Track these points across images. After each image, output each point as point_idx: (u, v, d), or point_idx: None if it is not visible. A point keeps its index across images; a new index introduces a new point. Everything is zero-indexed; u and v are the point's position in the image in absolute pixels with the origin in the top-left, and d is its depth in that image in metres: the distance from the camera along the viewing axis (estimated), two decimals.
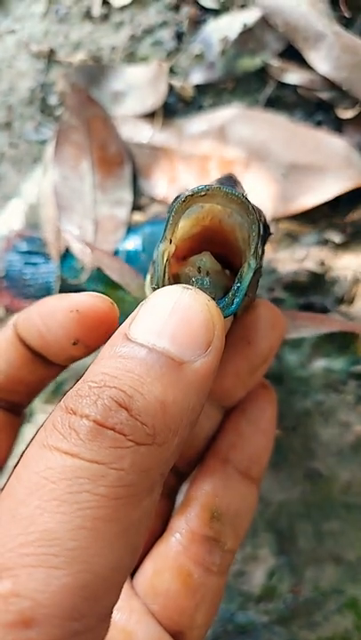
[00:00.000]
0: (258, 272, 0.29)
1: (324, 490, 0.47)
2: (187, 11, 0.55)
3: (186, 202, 0.27)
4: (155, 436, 0.22)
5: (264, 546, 0.47)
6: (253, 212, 0.27)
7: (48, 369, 0.34)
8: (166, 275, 0.27)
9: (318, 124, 0.51)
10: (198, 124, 0.52)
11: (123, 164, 0.52)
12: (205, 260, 0.29)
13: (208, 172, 0.51)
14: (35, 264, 0.52)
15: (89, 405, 0.22)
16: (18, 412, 0.35)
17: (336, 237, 0.48)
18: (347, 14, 0.51)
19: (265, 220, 0.31)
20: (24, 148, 0.56)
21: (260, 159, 0.50)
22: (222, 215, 0.28)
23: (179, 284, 0.26)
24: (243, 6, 0.54)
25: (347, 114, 0.49)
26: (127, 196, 0.52)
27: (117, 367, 0.23)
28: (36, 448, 0.22)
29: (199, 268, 0.29)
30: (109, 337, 0.31)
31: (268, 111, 0.51)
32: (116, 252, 0.51)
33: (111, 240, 0.51)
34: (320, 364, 0.47)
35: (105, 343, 0.32)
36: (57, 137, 0.53)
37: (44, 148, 0.55)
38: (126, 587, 0.32)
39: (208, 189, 0.27)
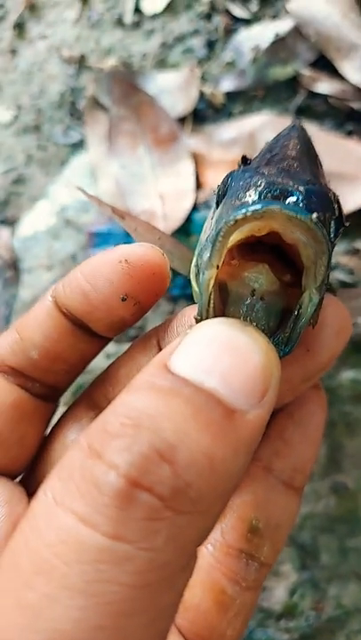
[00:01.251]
0: (322, 296, 0.24)
1: (349, 504, 0.46)
2: (218, 20, 0.55)
3: (237, 225, 0.22)
4: (198, 501, 0.18)
5: (286, 561, 0.46)
6: (324, 240, 0.22)
7: (90, 342, 0.30)
8: (211, 304, 0.23)
9: (349, 133, 0.50)
10: (228, 130, 0.52)
11: (177, 138, 0.51)
12: (261, 280, 0.24)
13: None
14: None
15: (120, 451, 0.18)
16: (52, 397, 0.32)
17: None
18: None
19: (340, 209, 0.26)
20: (52, 151, 0.56)
21: None
22: (283, 231, 0.23)
23: (234, 319, 0.22)
24: (274, 16, 0.54)
25: None
26: (187, 167, 0.51)
27: (156, 404, 0.19)
28: (47, 502, 0.18)
29: (253, 290, 0.24)
30: (161, 293, 0.27)
31: (299, 120, 0.51)
32: (188, 221, 0.50)
33: (180, 209, 0.50)
34: (348, 374, 0.47)
35: (153, 301, 0.27)
36: (109, 131, 0.52)
37: (72, 151, 0.55)
38: None
39: (264, 211, 0.22)
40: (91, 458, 0.18)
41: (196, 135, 0.52)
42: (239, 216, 0.22)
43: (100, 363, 0.35)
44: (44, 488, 0.19)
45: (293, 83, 0.52)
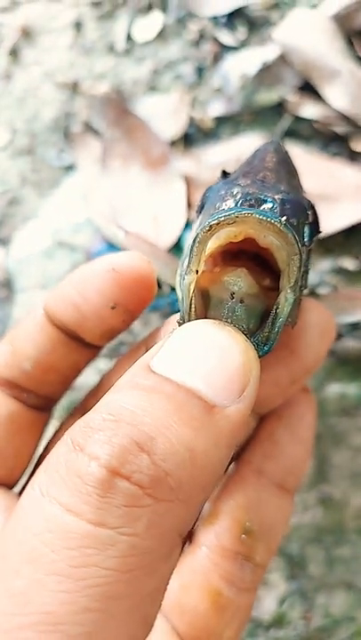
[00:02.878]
0: (299, 296, 0.26)
1: (335, 515, 0.47)
2: (207, 47, 0.57)
3: (211, 230, 0.24)
4: (179, 490, 0.19)
5: (275, 571, 0.47)
6: (294, 242, 0.24)
7: (82, 352, 0.31)
8: (192, 308, 0.25)
9: (333, 155, 0.52)
10: (217, 153, 0.54)
11: (168, 161, 0.53)
12: (240, 284, 0.25)
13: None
14: None
15: (101, 443, 0.19)
16: (46, 407, 0.33)
17: (350, 265, 0.49)
18: None
19: (315, 216, 0.28)
20: (46, 173, 0.57)
21: None
22: (257, 236, 0.24)
23: (213, 321, 0.23)
24: (260, 44, 0.56)
25: None
26: (179, 188, 0.53)
27: (138, 401, 0.20)
28: (35, 494, 0.19)
29: (232, 293, 0.25)
30: (149, 300, 0.28)
31: (285, 142, 0.53)
32: (181, 239, 0.51)
33: (173, 228, 0.51)
34: (334, 388, 0.48)
35: (142, 308, 0.28)
36: (103, 154, 0.54)
37: (65, 173, 0.57)
38: None
39: (237, 216, 0.23)
40: (74, 451, 0.19)
41: (187, 158, 0.54)
42: (213, 222, 0.24)
43: (93, 378, 0.36)
44: (31, 482, 0.20)
45: (280, 108, 0.54)
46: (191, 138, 0.55)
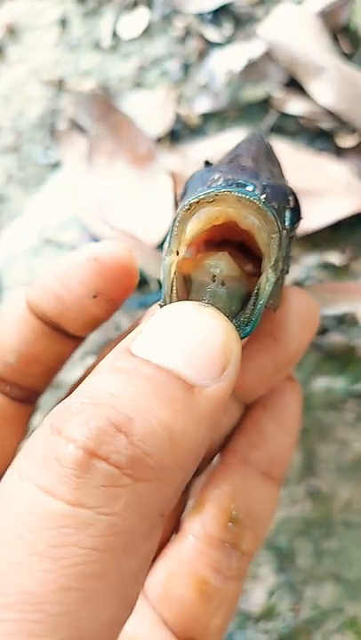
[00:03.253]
0: (281, 278, 0.26)
1: (323, 508, 0.48)
2: (193, 43, 0.57)
3: (191, 209, 0.24)
4: (158, 470, 0.19)
5: (264, 564, 0.48)
6: (273, 219, 0.24)
7: (65, 343, 0.31)
8: (174, 290, 0.24)
9: (319, 151, 0.53)
10: (203, 149, 0.54)
11: (154, 157, 0.53)
12: (222, 266, 0.25)
13: None
14: None
15: (78, 426, 0.19)
16: (30, 400, 0.33)
17: (336, 259, 0.50)
18: (346, 49, 0.54)
19: (296, 202, 0.28)
20: (32, 171, 0.57)
21: None
22: (237, 217, 0.24)
23: (193, 302, 0.23)
24: (246, 40, 0.56)
25: (346, 142, 0.51)
26: (165, 184, 0.53)
27: (117, 383, 0.20)
28: (14, 478, 0.19)
29: (214, 276, 0.25)
30: (131, 289, 0.28)
31: (271, 138, 0.53)
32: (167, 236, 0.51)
33: (160, 224, 0.51)
34: (320, 382, 0.48)
35: (124, 297, 0.28)
36: (89, 151, 0.54)
37: (51, 171, 0.56)
38: None
39: (217, 194, 0.23)
40: (52, 435, 0.19)
41: (173, 154, 0.54)
42: (193, 200, 0.24)
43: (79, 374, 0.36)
44: (11, 466, 0.20)
45: (265, 104, 0.54)
46: (177, 134, 0.55)
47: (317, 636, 0.46)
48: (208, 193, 0.23)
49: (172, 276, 0.25)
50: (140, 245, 0.46)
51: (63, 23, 0.60)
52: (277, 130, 0.54)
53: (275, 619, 0.47)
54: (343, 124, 0.52)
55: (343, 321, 0.48)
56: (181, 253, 0.25)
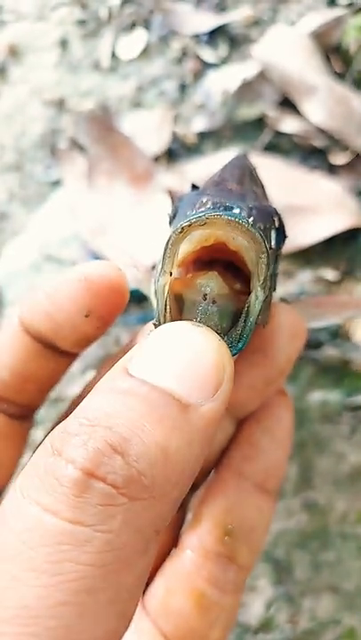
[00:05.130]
0: (269, 295, 0.27)
1: (320, 520, 0.48)
2: (189, 64, 0.59)
3: (183, 232, 0.25)
4: (153, 488, 0.19)
5: (262, 576, 0.48)
6: (261, 240, 0.25)
7: (58, 360, 0.32)
8: (167, 309, 0.25)
9: (312, 168, 0.54)
10: (199, 168, 0.55)
11: (152, 176, 0.54)
12: (212, 285, 0.26)
13: None
14: None
15: (77, 447, 0.19)
16: (27, 416, 0.33)
17: (330, 275, 0.51)
18: (338, 69, 0.55)
19: (281, 222, 0.29)
20: (33, 189, 0.58)
21: None
22: (226, 238, 0.25)
23: (187, 322, 0.24)
24: (241, 60, 0.58)
25: (339, 160, 0.52)
26: (163, 201, 0.54)
27: (114, 404, 0.20)
28: (16, 495, 0.20)
29: (205, 295, 0.26)
30: (122, 307, 0.28)
31: (266, 156, 0.54)
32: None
33: (158, 242, 0.52)
34: (316, 396, 0.49)
35: (115, 315, 0.29)
36: (88, 170, 0.55)
37: (52, 189, 0.58)
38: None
39: (207, 217, 0.24)
40: (52, 455, 0.20)
41: (170, 173, 0.55)
42: (185, 224, 0.25)
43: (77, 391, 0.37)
44: (13, 485, 0.20)
45: (260, 123, 0.56)
46: (175, 153, 0.56)
47: None
48: (199, 217, 0.24)
49: (165, 295, 0.25)
50: (138, 263, 0.47)
51: (64, 44, 0.62)
52: (272, 148, 0.55)
53: (273, 630, 0.47)
54: (336, 142, 0.53)
55: (338, 335, 0.49)
56: (174, 274, 0.26)
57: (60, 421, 0.34)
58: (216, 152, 0.56)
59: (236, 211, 0.26)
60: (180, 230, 0.25)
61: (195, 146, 0.56)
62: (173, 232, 0.25)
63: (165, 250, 0.26)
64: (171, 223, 0.30)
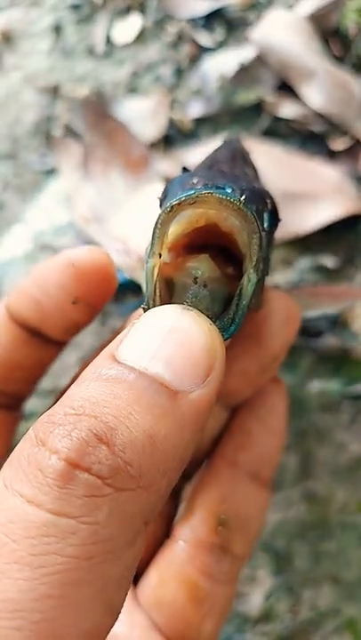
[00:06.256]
0: (262, 279, 0.26)
1: (320, 510, 0.48)
2: (185, 48, 0.57)
3: (173, 211, 0.24)
4: (140, 478, 0.19)
5: (261, 567, 0.48)
6: (253, 220, 0.24)
7: (46, 349, 0.31)
8: (157, 293, 0.24)
9: (312, 154, 0.53)
10: (196, 153, 0.54)
11: (148, 163, 0.53)
12: (203, 269, 0.25)
13: None
14: None
15: (61, 437, 0.19)
16: (15, 406, 0.33)
17: (329, 262, 0.50)
18: (337, 53, 0.54)
19: (273, 205, 0.28)
20: (28, 177, 0.58)
21: None
22: (218, 218, 0.24)
23: (176, 305, 0.23)
24: (238, 44, 0.56)
25: (338, 145, 0.51)
26: (160, 188, 0.52)
27: (100, 392, 0.20)
28: None
29: (195, 278, 0.25)
30: (110, 293, 0.28)
31: (264, 142, 0.54)
32: None
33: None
34: (315, 385, 0.49)
35: (104, 301, 0.28)
36: (84, 159, 0.54)
37: (47, 177, 0.57)
38: (129, 597, 0.29)
39: (198, 196, 0.23)
40: (36, 446, 0.19)
41: (167, 159, 0.54)
42: (175, 202, 0.24)
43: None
44: None
45: (258, 107, 0.55)
46: (171, 139, 0.55)
47: (316, 637, 0.46)
48: (189, 195, 0.24)
49: (154, 278, 0.25)
50: (134, 252, 0.46)
51: (57, 30, 0.61)
52: (270, 133, 0.54)
53: (273, 621, 0.47)
54: (335, 127, 0.52)
55: (337, 323, 0.49)
56: (163, 256, 0.25)
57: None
58: (213, 138, 0.55)
59: (228, 190, 0.25)
60: (169, 209, 0.24)
61: (191, 132, 0.55)
62: (163, 211, 0.24)
63: (154, 230, 0.25)
64: (161, 206, 0.29)
